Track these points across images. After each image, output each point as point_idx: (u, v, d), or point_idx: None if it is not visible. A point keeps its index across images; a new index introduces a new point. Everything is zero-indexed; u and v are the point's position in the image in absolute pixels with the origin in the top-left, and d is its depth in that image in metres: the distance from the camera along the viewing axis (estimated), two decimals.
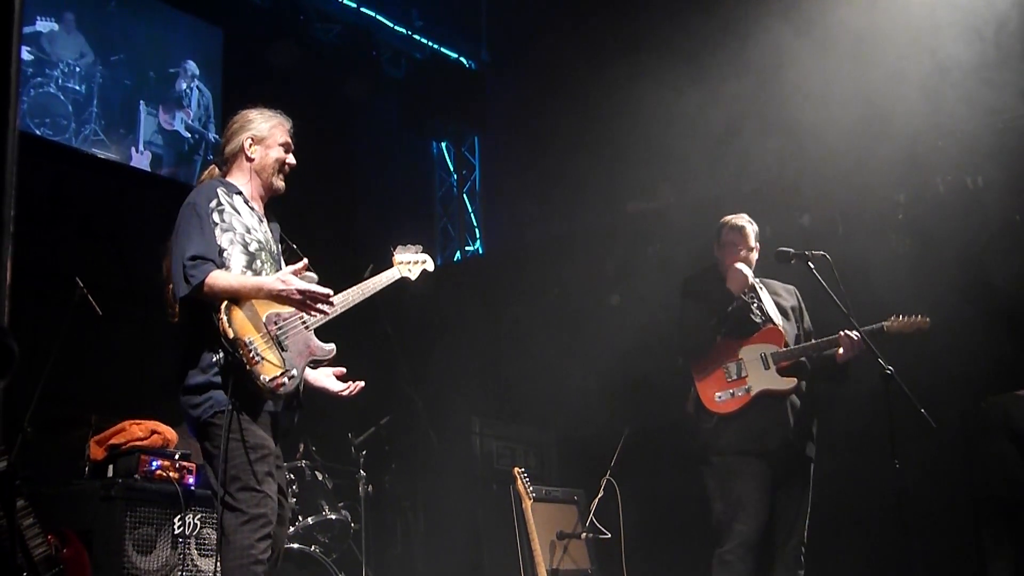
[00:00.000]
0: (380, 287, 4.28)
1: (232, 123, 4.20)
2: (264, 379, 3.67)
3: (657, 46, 8.18)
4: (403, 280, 4.46)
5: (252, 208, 4.06)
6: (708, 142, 7.70)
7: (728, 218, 5.47)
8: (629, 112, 8.54)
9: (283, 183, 4.19)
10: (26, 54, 7.46)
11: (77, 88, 7.88)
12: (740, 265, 5.21)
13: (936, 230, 6.92)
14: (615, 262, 8.67)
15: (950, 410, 6.10)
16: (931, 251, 6.87)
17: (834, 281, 4.97)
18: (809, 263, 5.06)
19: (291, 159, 4.20)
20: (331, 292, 3.91)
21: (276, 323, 3.84)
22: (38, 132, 7.56)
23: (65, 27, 7.84)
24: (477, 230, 11.24)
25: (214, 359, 3.75)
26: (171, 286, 3.90)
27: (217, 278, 3.71)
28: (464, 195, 11.28)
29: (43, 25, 7.68)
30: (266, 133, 4.15)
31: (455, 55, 11.04)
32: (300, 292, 3.80)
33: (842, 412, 6.33)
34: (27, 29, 7.48)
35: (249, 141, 4.12)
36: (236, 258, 3.84)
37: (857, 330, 4.94)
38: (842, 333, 5.08)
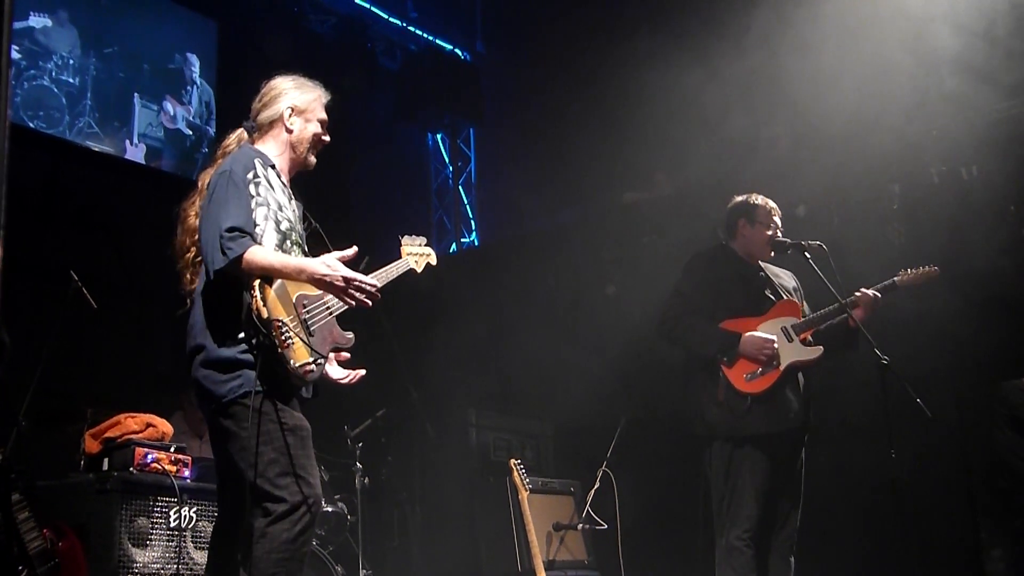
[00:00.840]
0: (392, 277, 4.12)
1: (270, 89, 4.02)
2: (294, 364, 3.50)
3: (654, 36, 8.17)
4: (410, 272, 4.30)
5: (284, 184, 3.89)
6: (704, 133, 7.70)
7: (757, 198, 5.45)
8: (625, 103, 8.54)
9: (314, 159, 4.04)
10: (16, 53, 7.43)
11: (71, 81, 7.85)
12: (761, 335, 5.16)
13: (931, 220, 6.92)
14: (611, 253, 8.66)
15: (946, 399, 6.11)
16: (926, 241, 6.87)
17: (830, 271, 4.98)
18: (806, 253, 5.07)
19: (326, 136, 4.05)
20: (378, 284, 3.73)
21: (305, 306, 3.67)
22: (32, 125, 7.54)
23: (58, 20, 7.81)
24: (473, 222, 11.23)
25: (241, 336, 3.54)
26: (187, 255, 3.78)
27: (256, 254, 3.49)
28: (460, 187, 11.27)
29: (36, 20, 7.65)
30: (307, 105, 3.99)
31: (450, 46, 11.03)
32: (345, 280, 3.59)
33: (838, 402, 6.33)
34: (20, 24, 7.45)
35: (289, 111, 3.95)
36: (269, 235, 3.64)
37: (855, 322, 4.94)
38: (860, 291, 5.05)
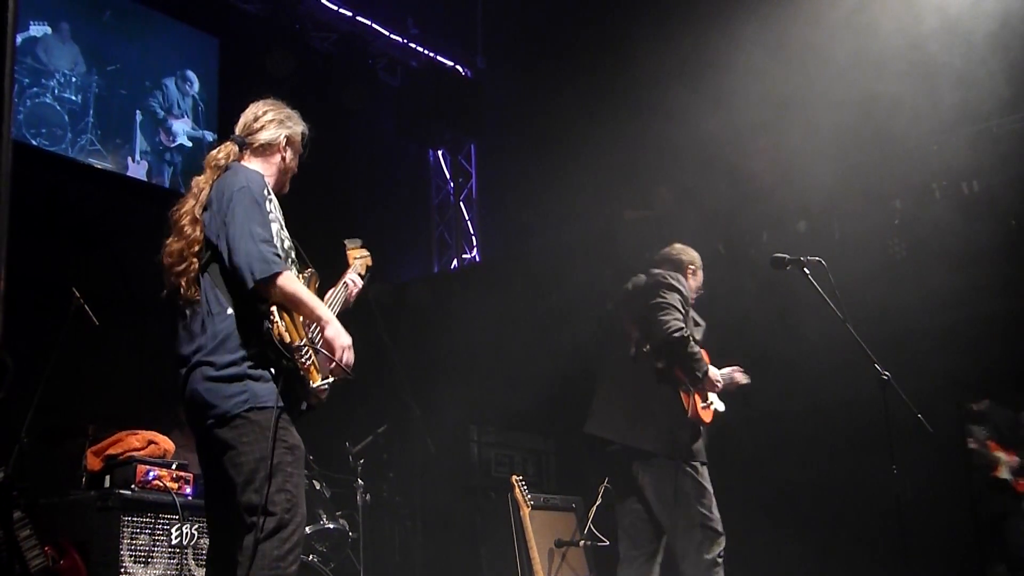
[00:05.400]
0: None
1: (270, 109, 4.02)
2: (313, 386, 3.58)
3: (654, 53, 8.19)
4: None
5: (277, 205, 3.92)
6: (705, 148, 7.71)
7: (692, 251, 5.68)
8: (626, 119, 8.55)
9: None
10: (20, 70, 7.46)
11: (73, 98, 7.87)
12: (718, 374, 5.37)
13: (932, 235, 6.93)
14: (613, 269, 8.65)
15: (946, 415, 6.11)
16: (927, 256, 6.88)
17: (830, 287, 4.97)
18: (804, 269, 5.06)
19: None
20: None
21: (309, 326, 3.71)
22: (34, 142, 7.56)
23: (60, 37, 7.84)
24: (474, 238, 11.24)
25: (249, 352, 3.56)
26: (187, 266, 3.69)
27: (290, 280, 3.57)
28: (461, 203, 11.28)
29: (36, 30, 7.67)
30: (297, 139, 4.04)
31: (451, 63, 11.05)
32: (342, 350, 3.62)
33: (840, 419, 6.33)
34: (20, 36, 7.47)
35: (286, 139, 3.99)
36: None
37: (854, 334, 4.94)
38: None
